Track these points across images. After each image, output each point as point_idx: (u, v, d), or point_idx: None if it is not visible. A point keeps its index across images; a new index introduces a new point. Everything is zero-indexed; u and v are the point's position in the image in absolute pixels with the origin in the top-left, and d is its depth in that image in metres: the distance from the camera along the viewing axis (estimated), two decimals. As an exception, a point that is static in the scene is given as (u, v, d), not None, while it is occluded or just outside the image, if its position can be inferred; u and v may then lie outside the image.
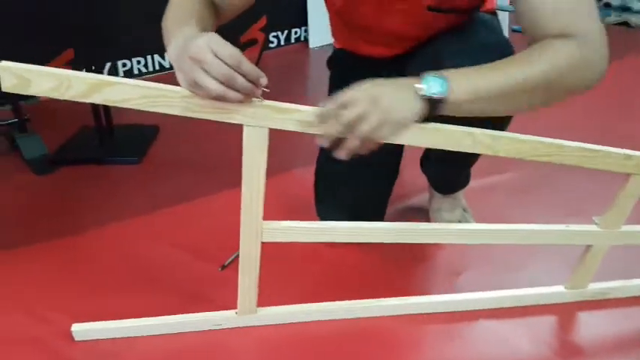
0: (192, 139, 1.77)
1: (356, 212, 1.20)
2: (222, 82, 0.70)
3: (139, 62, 2.23)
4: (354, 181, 1.21)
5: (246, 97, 0.73)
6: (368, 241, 0.96)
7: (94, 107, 1.66)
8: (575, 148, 0.85)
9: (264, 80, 0.72)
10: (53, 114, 1.90)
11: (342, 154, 0.77)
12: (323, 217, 1.27)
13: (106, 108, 1.71)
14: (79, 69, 1.64)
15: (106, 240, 1.26)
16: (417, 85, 0.76)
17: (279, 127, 0.77)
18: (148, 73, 2.27)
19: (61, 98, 0.69)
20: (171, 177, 1.54)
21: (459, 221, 1.32)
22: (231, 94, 0.71)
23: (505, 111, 0.83)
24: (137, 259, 1.19)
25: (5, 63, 0.65)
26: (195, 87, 0.72)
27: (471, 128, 0.81)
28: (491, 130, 0.82)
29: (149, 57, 2.25)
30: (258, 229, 0.88)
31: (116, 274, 1.14)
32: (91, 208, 1.39)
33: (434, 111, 0.77)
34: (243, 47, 2.55)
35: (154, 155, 1.67)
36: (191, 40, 0.71)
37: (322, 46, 2.77)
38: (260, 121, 0.76)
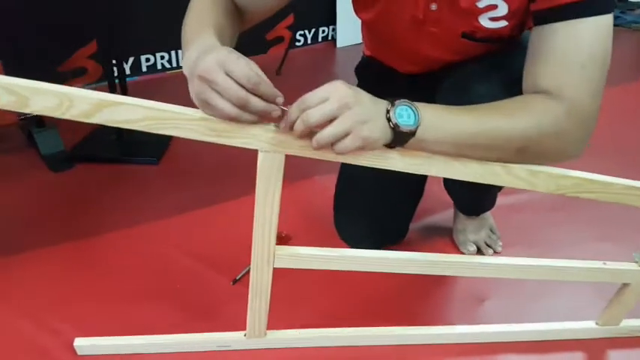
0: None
1: (377, 228, 1.15)
2: (235, 104, 0.65)
3: (162, 57, 2.19)
4: (377, 197, 1.16)
5: (262, 118, 0.67)
6: (388, 271, 0.90)
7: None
8: (624, 186, 0.78)
9: (280, 99, 0.67)
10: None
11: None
12: (341, 230, 1.22)
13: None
14: (102, 63, 1.61)
15: (118, 245, 1.22)
16: (388, 108, 0.69)
17: (297, 154, 0.71)
18: (172, 68, 2.23)
19: (62, 117, 0.65)
20: (189, 179, 1.51)
21: (485, 243, 1.25)
22: (246, 116, 0.66)
23: (473, 157, 0.76)
24: (149, 267, 1.16)
25: (1, 78, 0.61)
26: (207, 107, 0.66)
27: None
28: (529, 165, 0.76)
29: (173, 52, 2.21)
30: (270, 254, 0.83)
31: (126, 282, 1.11)
32: (104, 210, 1.36)
33: (398, 141, 0.71)
34: (269, 45, 2.50)
35: (173, 155, 1.63)
36: (202, 57, 0.65)
37: (350, 45, 2.70)
38: (277, 148, 0.71)
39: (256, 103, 0.65)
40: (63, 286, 1.10)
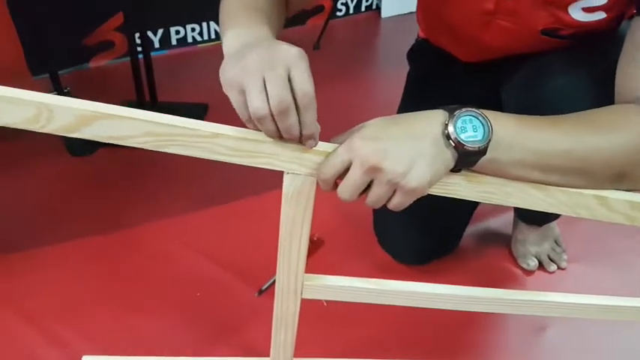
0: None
1: (425, 238, 1.01)
2: (271, 108, 0.50)
3: (193, 30, 2.04)
4: (427, 200, 1.01)
5: (282, 139, 0.54)
6: (439, 308, 0.76)
7: (136, 81, 1.51)
8: None
9: (312, 143, 0.54)
10: (96, 85, 1.77)
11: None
12: (382, 236, 1.09)
13: (150, 81, 1.56)
14: (129, 36, 1.49)
15: (137, 244, 1.12)
16: (446, 122, 0.53)
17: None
18: (204, 41, 2.08)
19: (40, 131, 0.52)
20: (218, 167, 1.38)
21: (548, 257, 1.10)
22: (270, 126, 0.52)
23: (556, 184, 0.59)
24: (168, 271, 1.06)
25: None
26: (240, 93, 0.52)
27: (601, 192, 0.60)
28: (629, 194, 0.60)
29: (204, 24, 2.06)
30: (298, 284, 0.71)
31: (142, 287, 1.02)
32: (125, 202, 1.25)
33: (463, 163, 0.54)
34: (307, 15, 2.32)
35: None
36: (279, 44, 0.52)
37: (396, 16, 2.50)
38: (307, 170, 0.57)
39: (291, 123, 0.51)
40: (72, 288, 1.01)
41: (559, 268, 1.10)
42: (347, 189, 0.53)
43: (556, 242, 1.12)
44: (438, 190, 0.58)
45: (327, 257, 1.11)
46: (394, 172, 0.51)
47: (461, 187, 0.59)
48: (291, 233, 0.64)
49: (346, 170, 0.53)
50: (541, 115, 0.59)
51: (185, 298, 1.00)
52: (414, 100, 1.04)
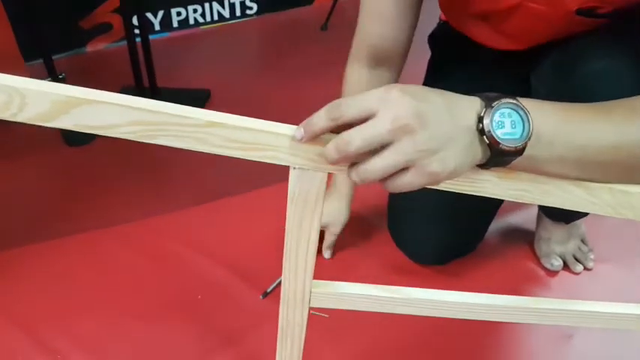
0: (249, 105, 1.52)
1: (444, 237, 0.95)
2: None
3: (195, 11, 1.96)
4: (447, 195, 0.94)
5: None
6: (462, 318, 0.69)
7: (134, 66, 1.43)
8: None
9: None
10: (93, 70, 1.69)
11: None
12: (397, 234, 1.02)
13: (149, 66, 1.48)
14: (127, 18, 1.41)
15: (136, 241, 1.05)
16: (481, 114, 0.44)
17: (340, 172, 0.50)
18: (206, 23, 1.99)
19: (14, 120, 0.45)
20: (221, 159, 1.30)
21: (574, 256, 1.02)
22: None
23: (598, 181, 0.52)
24: (166, 272, 1.00)
25: None
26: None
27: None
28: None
29: (207, 5, 1.97)
30: (306, 292, 0.64)
31: (138, 290, 0.96)
32: (122, 196, 1.18)
33: (495, 162, 0.46)
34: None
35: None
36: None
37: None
38: (316, 163, 0.49)
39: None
40: (65, 290, 0.95)
41: (585, 268, 1.02)
42: (358, 138, 0.42)
43: (582, 241, 1.04)
44: (463, 187, 0.50)
45: (336, 255, 1.04)
46: (425, 146, 0.42)
47: (490, 185, 0.51)
48: (298, 236, 0.57)
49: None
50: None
51: (185, 302, 0.94)
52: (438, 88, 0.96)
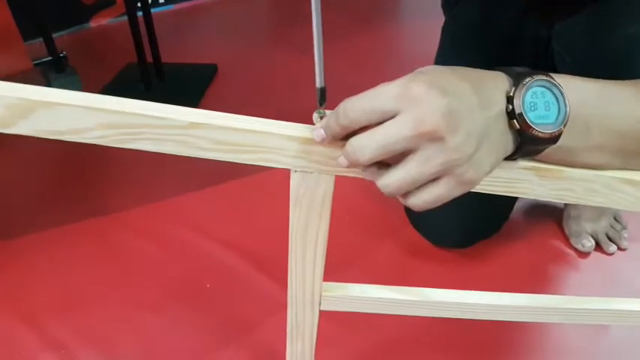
0: (257, 80, 1.45)
1: (468, 219, 0.89)
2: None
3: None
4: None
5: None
6: (483, 319, 0.63)
7: (136, 41, 1.36)
8: None
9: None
10: (96, 47, 1.63)
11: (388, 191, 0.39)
12: (416, 219, 0.96)
13: (152, 41, 1.42)
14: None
15: (143, 228, 1.01)
16: (510, 93, 0.37)
17: (348, 175, 0.43)
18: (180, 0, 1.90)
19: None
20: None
21: (607, 235, 0.95)
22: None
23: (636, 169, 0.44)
24: (173, 259, 0.95)
25: None
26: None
27: None
28: None
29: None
30: (315, 296, 0.59)
31: (144, 279, 0.92)
32: (128, 180, 1.14)
33: (525, 152, 0.39)
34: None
35: (210, 103, 1.37)
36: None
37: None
38: (321, 166, 0.43)
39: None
40: (69, 281, 0.91)
41: (619, 248, 0.95)
42: (372, 146, 0.35)
43: (615, 219, 0.97)
44: (499, 189, 0.44)
45: (349, 238, 0.98)
46: (457, 154, 0.35)
47: (532, 186, 0.44)
48: (304, 239, 0.52)
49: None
50: (608, 74, 0.43)
51: (193, 291, 0.90)
52: (455, 59, 0.88)
